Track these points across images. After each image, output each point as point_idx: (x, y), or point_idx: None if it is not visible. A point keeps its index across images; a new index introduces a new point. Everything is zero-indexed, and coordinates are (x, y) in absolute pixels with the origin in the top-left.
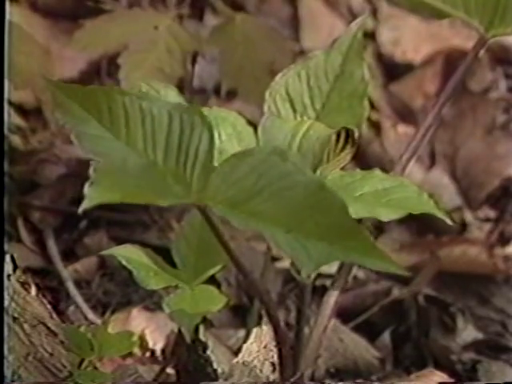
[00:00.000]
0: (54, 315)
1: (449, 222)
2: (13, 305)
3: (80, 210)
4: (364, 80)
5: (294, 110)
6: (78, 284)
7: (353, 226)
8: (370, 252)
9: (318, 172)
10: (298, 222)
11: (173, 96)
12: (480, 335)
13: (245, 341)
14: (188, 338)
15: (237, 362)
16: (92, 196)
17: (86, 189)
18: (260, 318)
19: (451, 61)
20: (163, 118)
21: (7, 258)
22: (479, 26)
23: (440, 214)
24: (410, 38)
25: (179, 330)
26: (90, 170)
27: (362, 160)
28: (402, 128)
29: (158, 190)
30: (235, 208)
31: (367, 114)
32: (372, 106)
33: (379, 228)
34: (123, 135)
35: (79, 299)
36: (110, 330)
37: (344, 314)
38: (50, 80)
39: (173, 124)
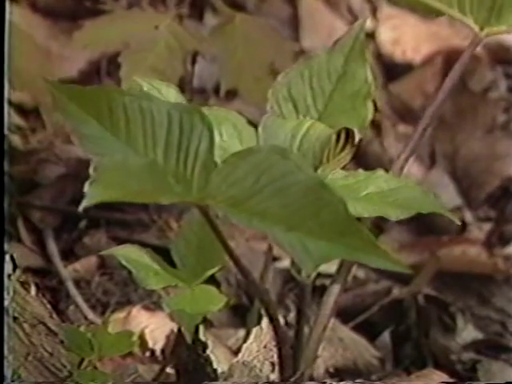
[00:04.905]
0: (54, 315)
1: (456, 221)
2: (13, 305)
3: (80, 208)
4: (367, 81)
5: (297, 111)
6: (77, 284)
7: (353, 224)
8: (371, 250)
9: (319, 172)
10: (299, 221)
11: (173, 95)
12: (480, 335)
13: (245, 341)
14: (188, 338)
15: (237, 362)
16: (92, 194)
17: (87, 187)
18: (260, 317)
19: (451, 61)
20: (163, 117)
21: (7, 257)
22: (474, 24)
23: (447, 214)
24: (410, 38)
25: (179, 330)
26: (91, 169)
27: (362, 160)
28: (402, 128)
29: (159, 189)
30: (236, 207)
31: (371, 116)
32: (376, 108)
33: (379, 228)
34: (123, 135)
35: (79, 299)
36: (109, 329)
37: (344, 314)
38: (49, 81)
39: (172, 123)
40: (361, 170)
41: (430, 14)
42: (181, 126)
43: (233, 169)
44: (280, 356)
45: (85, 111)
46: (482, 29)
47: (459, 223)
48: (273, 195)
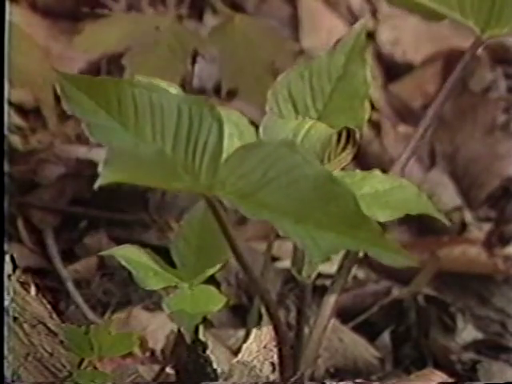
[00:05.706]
0: (54, 315)
1: (446, 222)
2: (13, 305)
3: (95, 186)
4: (366, 81)
5: (296, 111)
6: (77, 284)
7: (362, 217)
8: (379, 243)
9: None
10: (307, 213)
11: None
12: (480, 335)
13: (245, 341)
14: (188, 338)
15: (237, 362)
16: (106, 175)
17: (100, 168)
18: (260, 317)
19: (451, 61)
20: (172, 110)
21: (7, 258)
22: (475, 27)
23: (438, 215)
24: (410, 38)
25: (179, 330)
26: (105, 149)
27: (362, 160)
28: (402, 128)
29: (169, 177)
30: (244, 198)
31: (368, 116)
32: (373, 107)
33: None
34: (132, 126)
35: (79, 299)
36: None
37: (344, 314)
38: (59, 71)
39: (182, 116)
40: (358, 171)
41: (432, 17)
42: (190, 118)
43: (241, 161)
44: (280, 356)
45: (94, 101)
46: (483, 31)
47: (450, 224)
48: (281, 188)
